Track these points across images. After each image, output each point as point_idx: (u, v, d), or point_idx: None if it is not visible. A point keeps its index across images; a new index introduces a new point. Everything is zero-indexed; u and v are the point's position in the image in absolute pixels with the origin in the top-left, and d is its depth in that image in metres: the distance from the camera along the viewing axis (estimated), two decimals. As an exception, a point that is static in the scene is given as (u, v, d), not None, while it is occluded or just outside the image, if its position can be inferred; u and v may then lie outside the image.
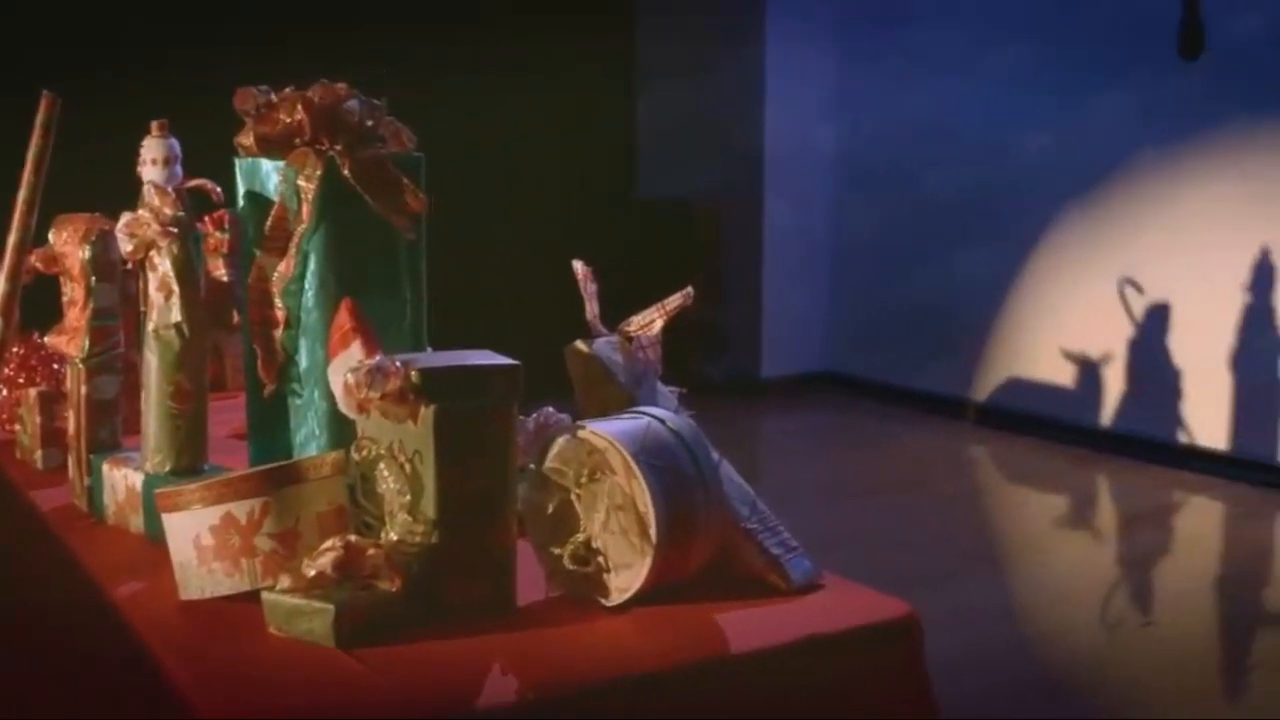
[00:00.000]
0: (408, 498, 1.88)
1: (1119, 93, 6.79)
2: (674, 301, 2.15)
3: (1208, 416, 6.62)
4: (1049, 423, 7.16)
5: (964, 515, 6.02)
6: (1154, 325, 6.78)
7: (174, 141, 2.27)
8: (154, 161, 2.26)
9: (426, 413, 1.86)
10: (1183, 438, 6.72)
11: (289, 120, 2.18)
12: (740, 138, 7.97)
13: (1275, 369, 6.36)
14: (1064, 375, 7.14)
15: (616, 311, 2.20)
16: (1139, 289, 6.80)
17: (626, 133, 8.45)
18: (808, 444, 7.43)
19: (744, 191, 8.00)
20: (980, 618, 4.70)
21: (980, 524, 6.08)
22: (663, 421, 1.96)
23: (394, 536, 1.89)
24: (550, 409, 2.05)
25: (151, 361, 2.27)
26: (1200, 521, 6.20)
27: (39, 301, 2.75)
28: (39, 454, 2.70)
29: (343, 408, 1.94)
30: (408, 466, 1.88)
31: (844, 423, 7.65)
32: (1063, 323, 7.13)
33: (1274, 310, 6.34)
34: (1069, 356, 7.10)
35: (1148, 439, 6.80)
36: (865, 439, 7.26)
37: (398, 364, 1.87)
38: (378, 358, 1.89)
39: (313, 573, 1.83)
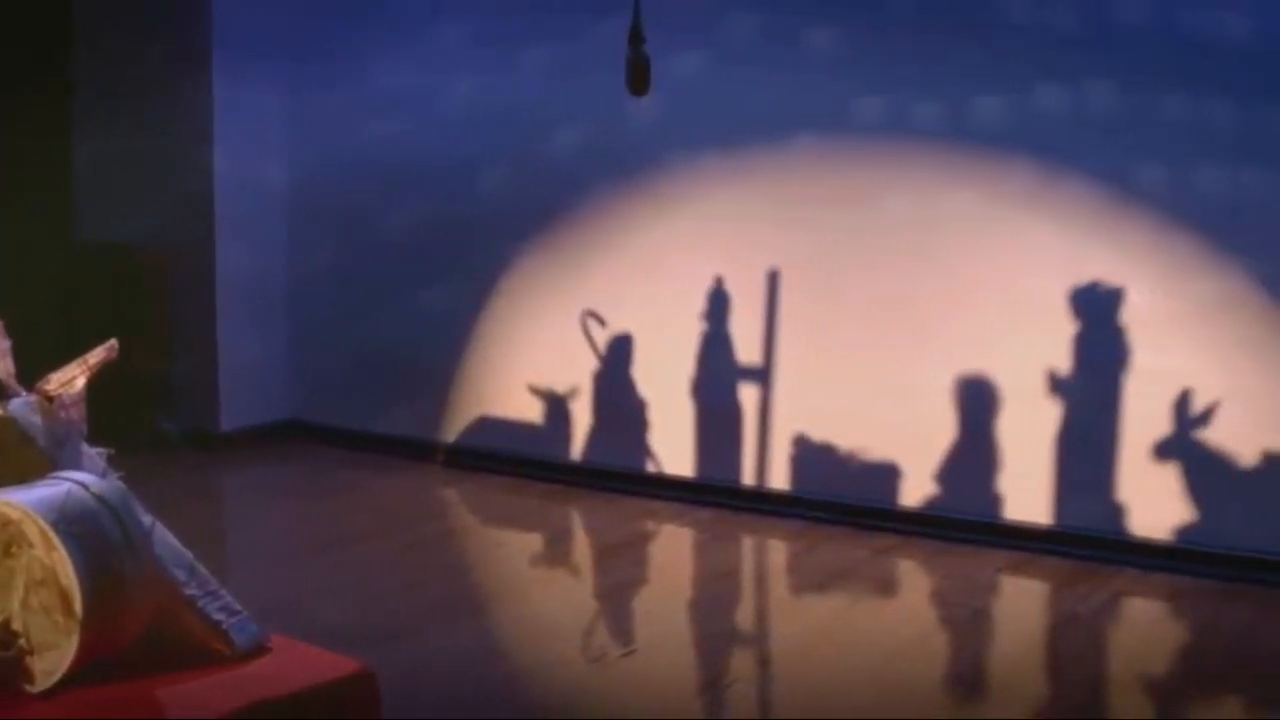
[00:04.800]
0: None
1: (575, 127, 7.03)
2: (97, 355, 2.07)
3: (673, 444, 6.94)
4: (520, 460, 7.31)
5: (438, 560, 6.06)
6: (617, 357, 7.04)
7: None
8: None
9: None
10: (651, 467, 7.01)
11: None
12: (189, 179, 7.76)
13: (734, 393, 6.73)
14: (532, 412, 7.31)
15: (56, 368, 2.09)
16: (601, 322, 7.05)
17: (62, 173, 8.08)
18: (273, 498, 7.30)
19: (194, 235, 7.79)
20: (461, 662, 4.74)
21: (456, 568, 6.13)
22: (85, 486, 1.87)
23: None
24: (-35, 480, 1.93)
25: None
26: (672, 548, 6.47)
27: None
28: None
29: None
30: None
31: (310, 473, 7.56)
32: (529, 359, 7.30)
33: (729, 337, 6.71)
34: (536, 393, 7.28)
35: (618, 470, 7.06)
36: (333, 488, 7.20)
37: None
38: None
39: None
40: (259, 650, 1.96)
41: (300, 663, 1.94)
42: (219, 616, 1.95)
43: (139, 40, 7.85)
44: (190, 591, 1.96)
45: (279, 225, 8.05)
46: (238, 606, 1.99)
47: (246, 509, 7.18)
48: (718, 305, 6.75)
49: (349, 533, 6.33)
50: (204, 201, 7.72)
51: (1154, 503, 5.88)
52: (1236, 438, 5.71)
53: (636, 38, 4.96)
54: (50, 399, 2.05)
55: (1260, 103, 5.57)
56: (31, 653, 1.80)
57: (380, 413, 7.82)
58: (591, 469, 7.16)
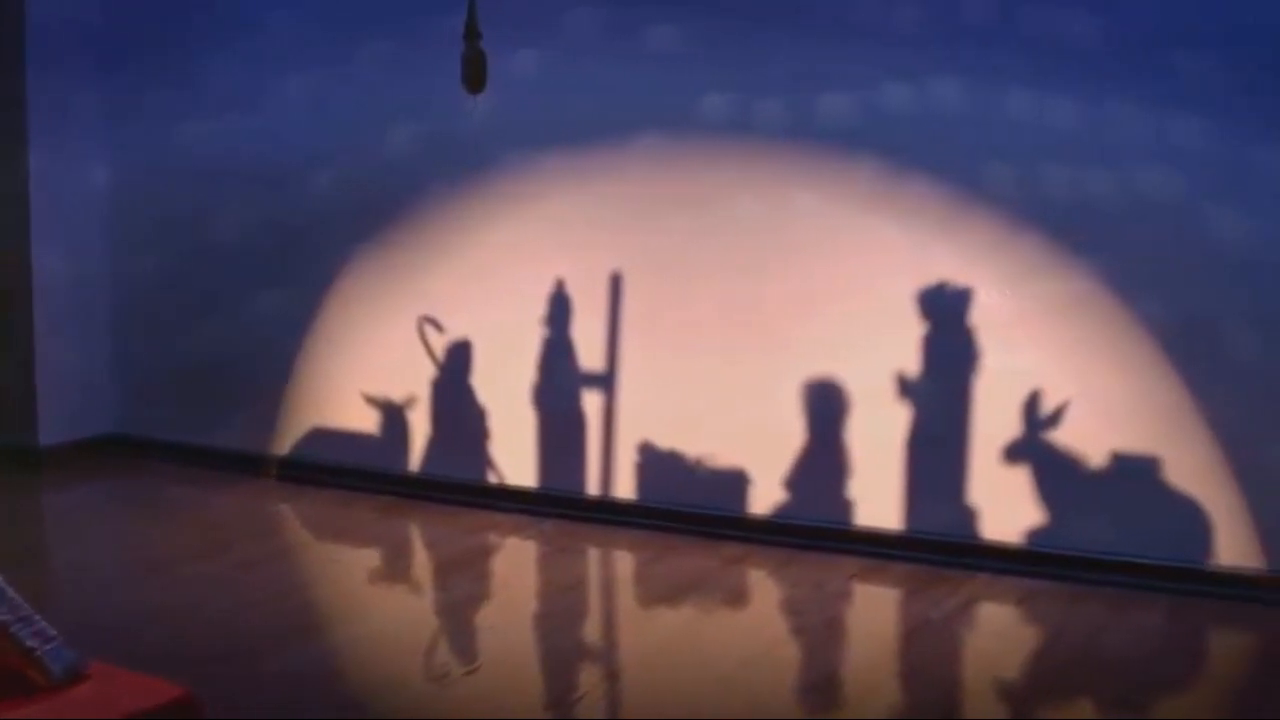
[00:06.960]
0: None
1: (410, 126, 6.96)
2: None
3: (515, 454, 6.89)
4: (355, 473, 7.22)
5: (272, 579, 5.95)
6: (456, 364, 6.98)
7: None
8: None
9: None
10: (493, 478, 6.95)
11: None
12: (1, 180, 7.55)
13: (576, 401, 6.70)
14: (368, 422, 7.22)
15: None
16: (439, 328, 6.98)
17: None
18: (99, 516, 7.11)
19: (8, 239, 7.57)
20: (297, 684, 4.66)
21: (291, 586, 6.02)
22: (-117, 505, 1.79)
23: None
24: None
25: None
26: (515, 561, 6.42)
27: None
28: None
29: None
30: None
31: (137, 489, 7.39)
32: (364, 368, 7.21)
33: (572, 342, 6.68)
34: (372, 402, 7.19)
35: (458, 482, 6.99)
36: (162, 505, 7.05)
37: None
38: None
39: None
40: (76, 677, 1.88)
41: (119, 689, 1.86)
42: (32, 643, 1.87)
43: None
44: (2, 617, 1.88)
45: (100, 228, 7.85)
46: (52, 632, 1.91)
47: (67, 528, 6.99)
48: (559, 310, 6.72)
49: (177, 552, 6.20)
50: (18, 203, 7.51)
51: (1005, 506, 5.96)
52: (1086, 438, 5.81)
53: (471, 33, 4.92)
54: None
55: (1104, 102, 5.67)
56: None
57: (210, 425, 7.67)
58: (430, 481, 7.08)
